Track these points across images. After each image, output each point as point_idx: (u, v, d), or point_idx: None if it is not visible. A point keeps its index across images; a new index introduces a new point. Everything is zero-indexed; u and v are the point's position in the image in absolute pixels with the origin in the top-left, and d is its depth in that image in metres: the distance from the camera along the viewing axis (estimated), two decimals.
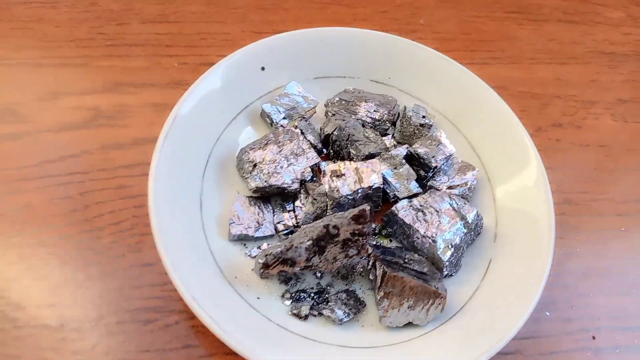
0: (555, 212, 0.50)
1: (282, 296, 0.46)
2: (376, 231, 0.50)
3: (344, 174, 0.48)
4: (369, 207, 0.44)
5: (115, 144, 0.54)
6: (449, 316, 0.45)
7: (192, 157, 0.48)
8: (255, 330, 0.41)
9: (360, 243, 0.44)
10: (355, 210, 0.43)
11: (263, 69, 0.54)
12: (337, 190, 0.47)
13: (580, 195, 0.59)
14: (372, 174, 0.48)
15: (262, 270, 0.44)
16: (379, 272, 0.44)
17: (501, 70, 0.68)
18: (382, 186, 0.48)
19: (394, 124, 0.56)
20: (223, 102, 0.52)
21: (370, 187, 0.47)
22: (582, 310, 0.52)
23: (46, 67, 0.58)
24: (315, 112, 0.55)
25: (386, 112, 0.55)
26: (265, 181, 0.48)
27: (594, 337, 0.50)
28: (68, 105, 0.55)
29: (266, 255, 0.43)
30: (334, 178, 0.48)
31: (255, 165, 0.49)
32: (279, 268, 0.44)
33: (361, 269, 0.48)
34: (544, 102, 0.67)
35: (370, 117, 0.54)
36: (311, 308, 0.45)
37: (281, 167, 0.49)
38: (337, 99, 0.55)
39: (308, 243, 0.43)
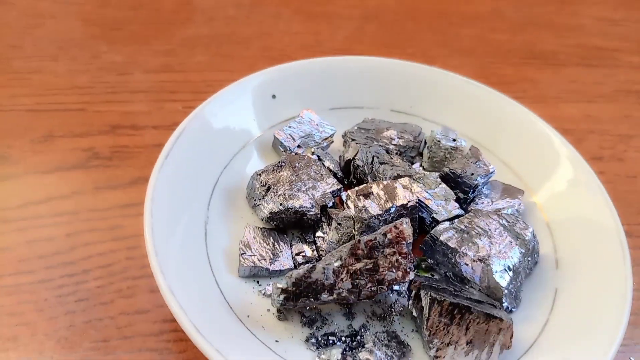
0: None
1: (307, 341, 0.37)
2: (414, 264, 0.42)
3: (371, 192, 0.41)
4: (407, 220, 0.37)
5: (110, 185, 0.48)
6: (516, 357, 0.36)
7: (196, 183, 0.42)
8: None
9: (399, 264, 0.36)
10: (390, 225, 0.36)
11: (274, 96, 0.50)
12: (366, 209, 0.40)
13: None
14: (406, 191, 0.41)
15: (281, 300, 0.35)
16: (425, 302, 0.36)
17: None
18: (417, 205, 0.41)
19: (420, 154, 0.51)
20: (231, 128, 0.46)
21: (404, 206, 0.40)
22: None
23: (41, 112, 0.54)
24: (333, 141, 0.49)
25: (411, 138, 0.49)
26: (281, 204, 0.41)
27: None
28: (61, 148, 0.50)
29: (287, 278, 0.35)
30: (361, 197, 0.41)
31: (269, 189, 0.42)
32: (302, 300, 0.35)
33: (401, 308, 0.39)
34: (578, 137, 0.61)
35: (394, 144, 0.49)
36: (343, 352, 0.35)
37: (298, 190, 0.42)
38: (356, 128, 0.50)
39: (337, 264, 0.35)
